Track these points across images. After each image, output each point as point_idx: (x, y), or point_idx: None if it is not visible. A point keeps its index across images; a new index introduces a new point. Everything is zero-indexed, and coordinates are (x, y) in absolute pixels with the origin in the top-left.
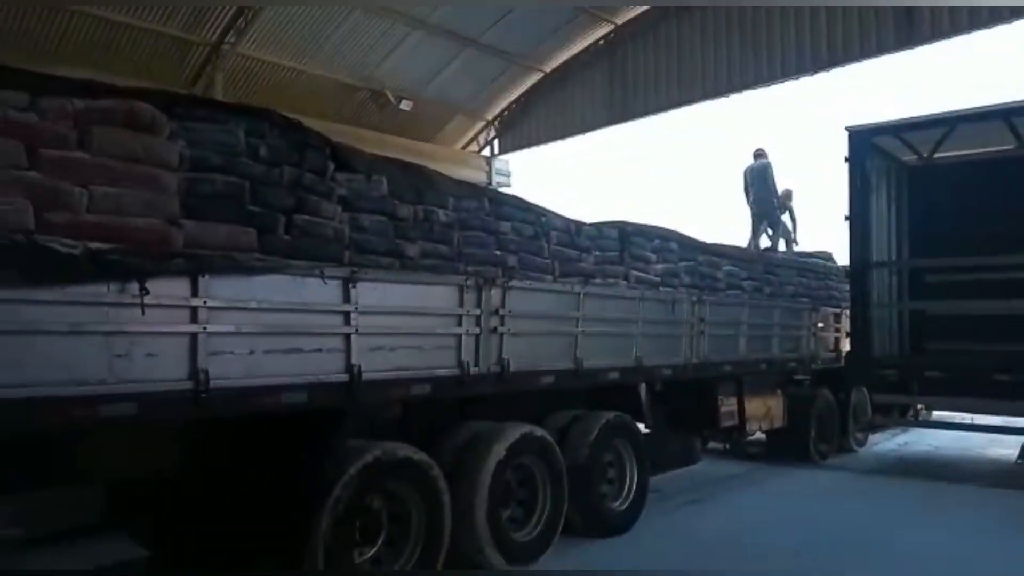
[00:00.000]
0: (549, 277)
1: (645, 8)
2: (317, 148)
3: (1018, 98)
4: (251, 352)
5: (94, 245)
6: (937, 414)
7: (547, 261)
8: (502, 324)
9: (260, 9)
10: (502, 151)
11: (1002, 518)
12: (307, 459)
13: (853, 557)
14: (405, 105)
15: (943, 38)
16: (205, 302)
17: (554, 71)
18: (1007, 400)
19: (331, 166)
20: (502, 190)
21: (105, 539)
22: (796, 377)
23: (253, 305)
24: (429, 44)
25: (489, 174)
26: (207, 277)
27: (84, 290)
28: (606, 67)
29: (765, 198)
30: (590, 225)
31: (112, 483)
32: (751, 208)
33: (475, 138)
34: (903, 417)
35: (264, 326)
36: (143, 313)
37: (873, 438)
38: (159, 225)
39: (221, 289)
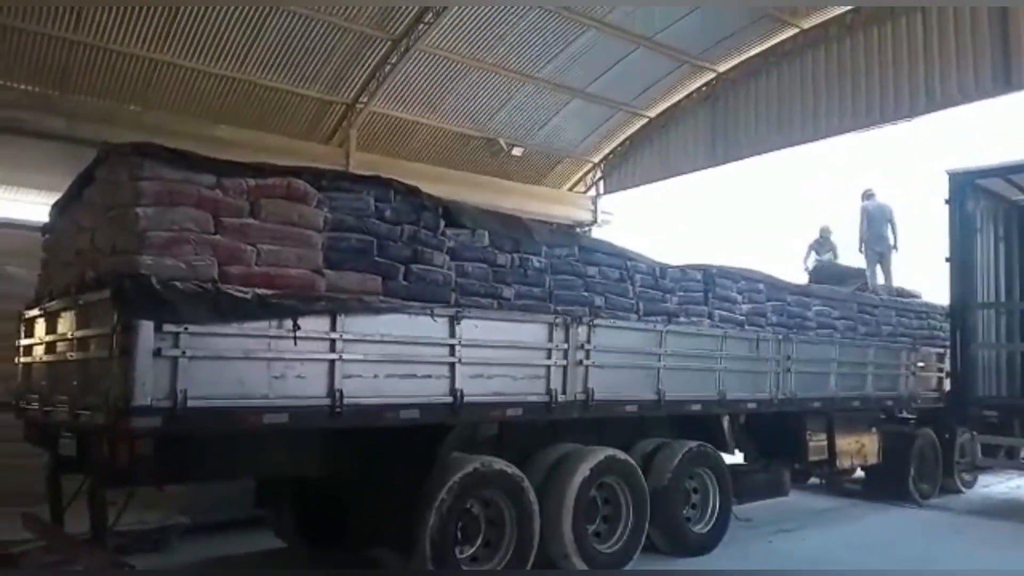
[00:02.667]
0: (634, 316)
1: (747, 56)
2: (431, 209)
3: None
4: (375, 376)
5: (260, 291)
6: None
7: (632, 301)
8: (587, 358)
9: (391, 71)
10: (607, 191)
11: None
12: (419, 466)
13: None
14: (516, 151)
15: None
16: (341, 335)
17: (658, 116)
18: None
19: (442, 223)
20: (606, 228)
21: (252, 531)
22: (901, 416)
23: (378, 338)
24: (539, 96)
25: (594, 213)
26: (343, 316)
27: (253, 325)
28: (708, 112)
29: (885, 236)
30: (675, 268)
31: (261, 480)
32: (870, 246)
33: (582, 179)
34: (1012, 459)
35: (386, 355)
36: (295, 344)
37: (984, 480)
38: (308, 274)
39: (353, 325)
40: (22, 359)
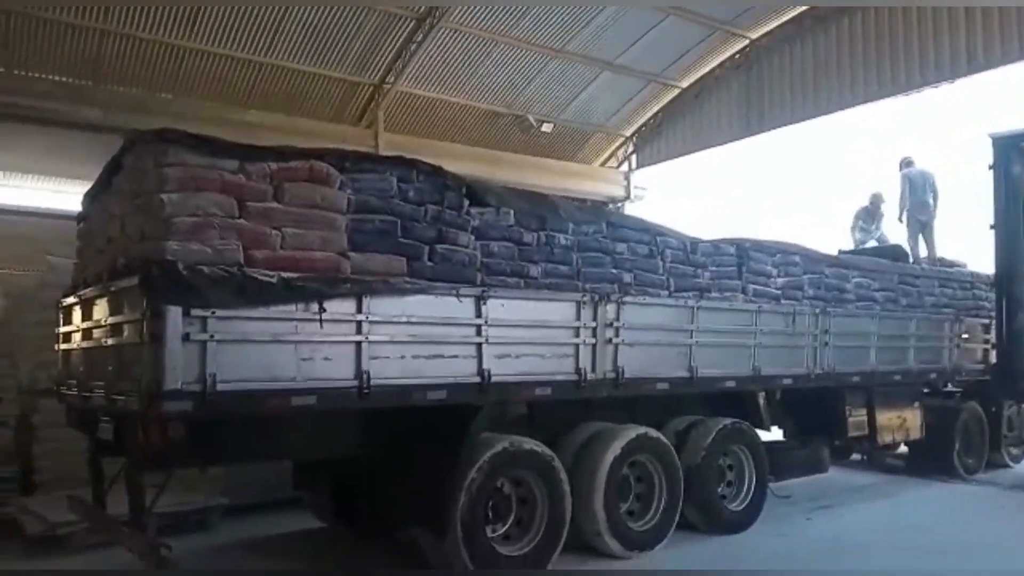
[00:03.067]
0: (664, 292)
1: (781, 22)
2: (454, 188)
3: None
4: (402, 357)
5: (286, 274)
6: None
7: (662, 277)
8: (616, 335)
9: (416, 50)
10: (640, 165)
11: None
12: (449, 446)
13: (959, 563)
14: (546, 127)
15: None
16: (367, 317)
17: (690, 87)
18: None
19: (466, 202)
20: (639, 203)
21: (291, 512)
22: (945, 389)
23: (404, 320)
24: (567, 70)
25: (627, 188)
26: (369, 297)
27: (279, 309)
28: (742, 81)
29: (928, 204)
30: (706, 242)
31: (297, 462)
32: (913, 215)
33: (614, 154)
34: None
35: (413, 336)
36: (321, 326)
37: None
38: (333, 257)
39: (379, 307)
40: (61, 346)
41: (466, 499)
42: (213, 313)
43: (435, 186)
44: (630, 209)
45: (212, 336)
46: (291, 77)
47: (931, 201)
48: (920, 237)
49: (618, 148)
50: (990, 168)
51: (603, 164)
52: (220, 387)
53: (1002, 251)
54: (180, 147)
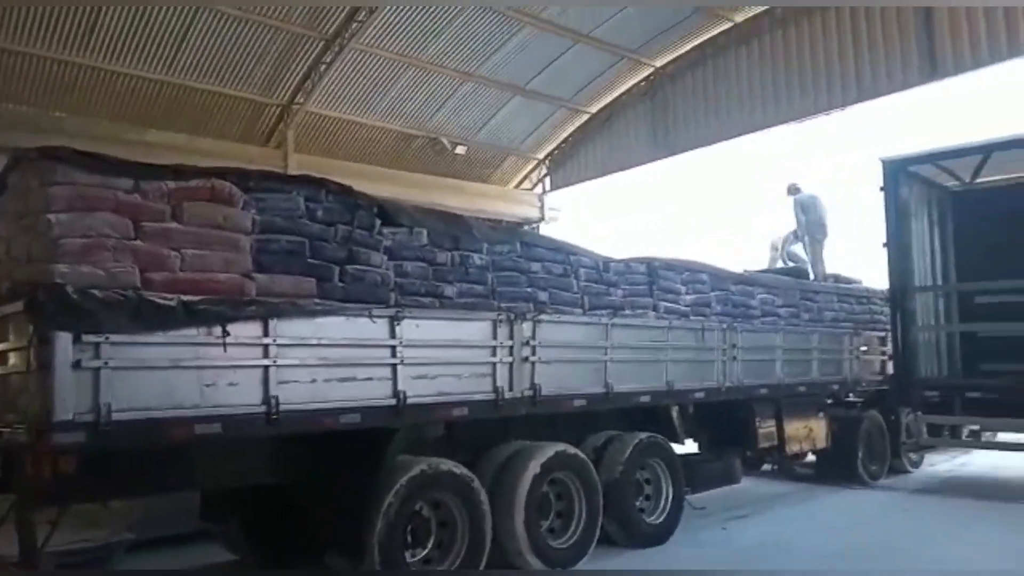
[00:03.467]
0: (579, 310)
1: (683, 51)
2: (365, 208)
3: None
4: (313, 381)
5: (186, 297)
6: (1002, 435)
7: (576, 296)
8: (533, 353)
9: (326, 71)
10: (553, 187)
11: (1017, 529)
12: (365, 471)
13: (876, 563)
14: (460, 150)
15: (966, 71)
16: (275, 340)
17: (600, 111)
18: None
19: (378, 222)
20: (553, 224)
21: (199, 545)
22: (848, 399)
23: (314, 342)
24: (479, 93)
25: (541, 209)
26: (276, 320)
27: (179, 333)
28: (648, 107)
29: (824, 224)
30: (618, 261)
31: (205, 493)
32: (810, 236)
33: (528, 176)
34: (955, 438)
35: (324, 359)
36: (225, 350)
37: (932, 459)
38: (237, 279)
39: (287, 329)
40: None
41: (383, 524)
42: (107, 339)
43: (345, 206)
44: (545, 230)
45: (106, 363)
46: (195, 96)
47: (826, 222)
48: (804, 248)
49: (532, 170)
50: (881, 190)
51: (517, 186)
52: (116, 416)
53: (894, 268)
54: (69, 166)
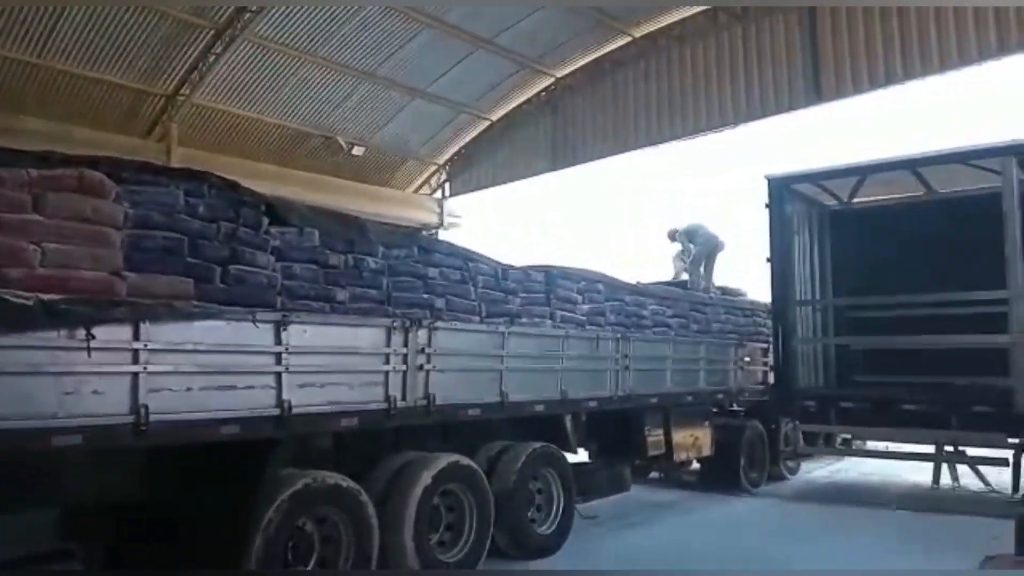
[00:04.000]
0: (476, 318)
1: (583, 63)
2: (252, 205)
3: (921, 150)
4: (188, 389)
5: (46, 296)
6: (872, 443)
7: (474, 303)
8: (428, 362)
9: (215, 62)
10: (453, 194)
11: (894, 535)
12: (245, 485)
13: (754, 563)
14: (357, 151)
15: (847, 96)
16: (146, 345)
17: (500, 119)
18: (914, 428)
19: (265, 221)
20: (452, 231)
21: (57, 564)
22: (732, 409)
23: (190, 347)
24: (378, 94)
25: (440, 215)
26: (147, 323)
27: (37, 336)
28: (548, 117)
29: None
30: (516, 269)
31: (66, 509)
32: (699, 252)
33: (427, 181)
34: (829, 446)
35: (201, 366)
36: (89, 355)
37: (807, 466)
38: (105, 277)
39: (161, 333)
40: None
41: (262, 541)
42: None
43: (230, 202)
44: (444, 236)
45: None
46: (70, 82)
47: (716, 239)
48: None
49: (431, 176)
50: (766, 206)
51: (416, 191)
52: None
53: (777, 282)
54: None
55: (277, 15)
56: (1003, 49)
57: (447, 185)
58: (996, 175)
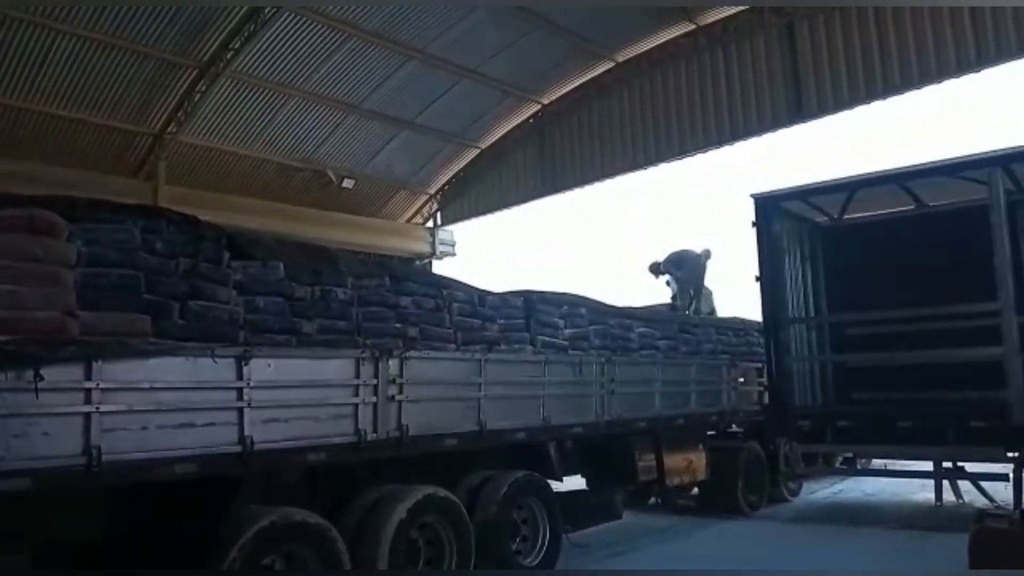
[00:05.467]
0: (452, 346)
1: (568, 89)
2: (212, 239)
3: (908, 163)
4: (144, 428)
5: None
6: (876, 462)
7: (449, 331)
8: (400, 392)
9: (201, 100)
10: (445, 222)
11: (894, 554)
12: (207, 523)
13: None
14: (347, 183)
15: (829, 113)
16: (98, 384)
17: (489, 147)
18: (910, 445)
19: (227, 255)
20: (446, 259)
21: None
22: (729, 430)
23: (146, 385)
24: (366, 126)
25: (433, 244)
26: (100, 362)
27: None
28: (536, 144)
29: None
30: (494, 295)
31: (36, 549)
32: (694, 287)
33: (419, 211)
34: (829, 466)
35: (157, 404)
36: (37, 397)
37: (809, 487)
38: (56, 316)
39: (115, 372)
40: None
41: None
42: None
43: (188, 237)
44: (438, 266)
45: None
46: (57, 124)
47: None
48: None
49: (423, 205)
50: (753, 225)
51: (408, 221)
52: None
53: (768, 300)
54: None
55: (260, 52)
56: (981, 60)
57: (439, 214)
58: (984, 186)
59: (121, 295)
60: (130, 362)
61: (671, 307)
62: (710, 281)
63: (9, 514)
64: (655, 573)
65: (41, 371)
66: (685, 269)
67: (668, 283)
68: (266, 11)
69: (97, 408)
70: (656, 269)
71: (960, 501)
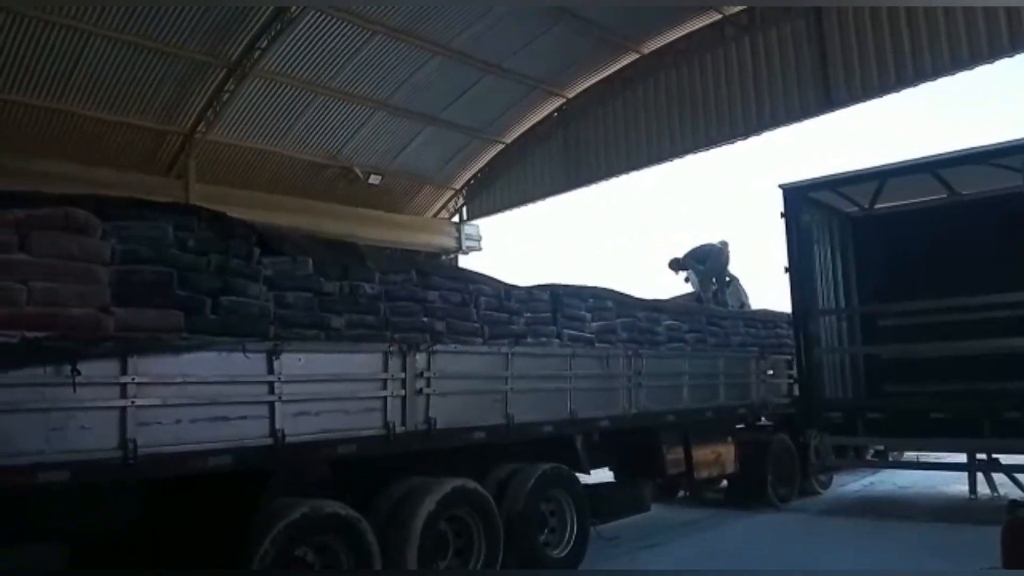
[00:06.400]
0: (478, 340)
1: (593, 82)
2: (242, 236)
3: (940, 151)
4: (178, 421)
5: (31, 334)
6: (909, 454)
7: (476, 325)
8: (428, 385)
9: (230, 99)
10: (471, 217)
11: (919, 550)
12: (241, 515)
13: None
14: (374, 179)
15: (859, 101)
16: (133, 379)
17: (514, 142)
18: (943, 437)
19: (257, 251)
20: (472, 254)
21: None
22: (759, 423)
23: (179, 380)
24: (392, 123)
25: (459, 239)
26: (135, 357)
27: (22, 373)
28: (561, 138)
29: (714, 265)
30: (520, 289)
31: (74, 541)
32: (718, 279)
33: (445, 206)
34: (860, 458)
35: (190, 398)
36: (75, 391)
37: (840, 479)
38: (92, 313)
39: (149, 367)
40: None
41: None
42: None
43: (219, 234)
44: (464, 260)
45: None
46: (89, 124)
47: (725, 259)
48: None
49: (449, 200)
50: (782, 216)
51: (434, 216)
52: None
53: (797, 292)
54: None
55: (287, 50)
56: (1016, 45)
57: (464, 209)
58: (1019, 173)
59: (154, 291)
60: (164, 357)
61: (697, 299)
62: (735, 270)
63: (49, 507)
64: (672, 573)
65: (78, 366)
66: (707, 262)
67: (687, 279)
68: (292, 10)
69: (132, 402)
70: (676, 264)
71: (995, 494)
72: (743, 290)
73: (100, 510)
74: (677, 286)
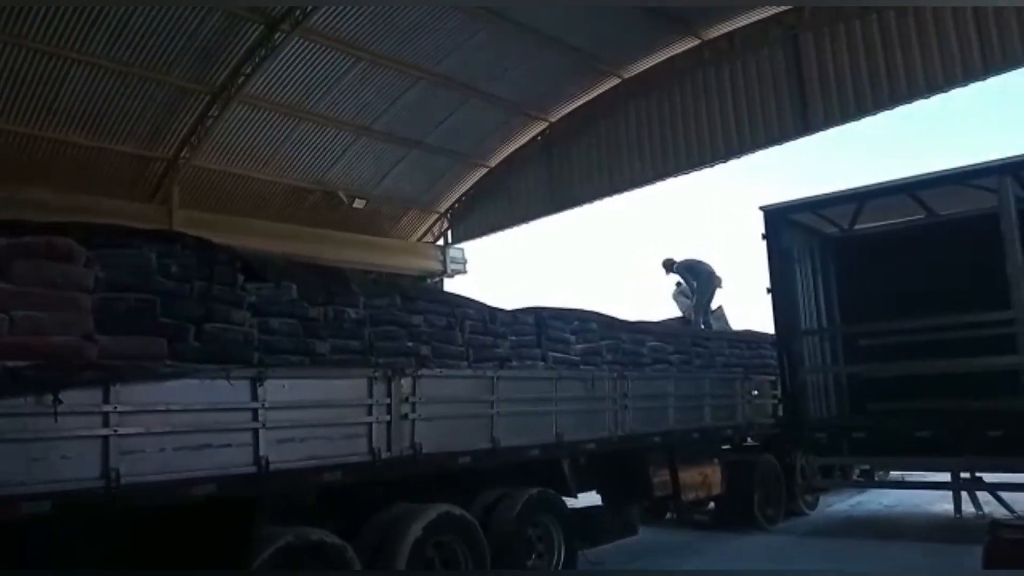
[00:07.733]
0: (464, 363)
1: (577, 106)
2: (226, 262)
3: (916, 173)
4: (161, 450)
5: (12, 363)
6: (894, 473)
7: (461, 348)
8: (413, 410)
9: (214, 124)
10: (456, 240)
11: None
12: (224, 544)
13: None
14: (358, 204)
15: (835, 124)
16: (116, 407)
17: (498, 166)
18: (927, 456)
19: (240, 277)
20: (457, 277)
21: None
22: (745, 444)
23: (163, 408)
24: (377, 147)
25: (444, 263)
26: (118, 385)
27: (3, 403)
28: (544, 162)
29: (704, 289)
30: (505, 312)
31: (57, 572)
32: (701, 295)
33: (430, 229)
34: (846, 478)
35: (174, 425)
36: (56, 420)
37: (828, 499)
38: (75, 341)
39: (132, 395)
40: None
41: None
42: None
43: (203, 261)
44: (449, 284)
45: None
46: (72, 151)
47: (715, 275)
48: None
49: (433, 224)
50: (763, 238)
51: (419, 240)
52: None
53: (780, 312)
54: None
55: (271, 75)
56: (987, 68)
57: (449, 233)
58: (994, 194)
59: (137, 319)
60: (147, 385)
61: (683, 321)
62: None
63: (30, 537)
64: (672, 573)
65: (60, 395)
66: (700, 280)
67: (678, 284)
68: (277, 36)
69: (115, 431)
70: (670, 266)
71: (979, 512)
72: (726, 318)
73: (83, 540)
74: (665, 288)
